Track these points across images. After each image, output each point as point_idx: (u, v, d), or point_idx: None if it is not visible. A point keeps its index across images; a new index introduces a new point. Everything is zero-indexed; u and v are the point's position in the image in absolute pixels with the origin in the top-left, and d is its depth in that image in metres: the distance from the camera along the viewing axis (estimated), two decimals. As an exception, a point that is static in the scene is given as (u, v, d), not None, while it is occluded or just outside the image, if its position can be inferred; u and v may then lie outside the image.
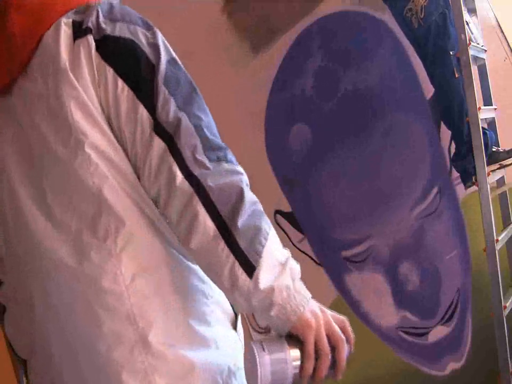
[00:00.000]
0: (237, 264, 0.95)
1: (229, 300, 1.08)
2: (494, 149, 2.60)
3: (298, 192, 2.87)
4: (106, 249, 0.98)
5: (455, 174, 2.70)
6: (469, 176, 2.56)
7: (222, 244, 0.95)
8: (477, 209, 2.54)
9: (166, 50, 1.06)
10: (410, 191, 2.87)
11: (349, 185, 2.99)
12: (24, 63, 1.04)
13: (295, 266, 1.09)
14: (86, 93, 1.00)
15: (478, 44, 2.62)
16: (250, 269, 0.96)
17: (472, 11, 2.68)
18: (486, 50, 2.70)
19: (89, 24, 1.02)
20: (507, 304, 2.51)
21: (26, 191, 1.02)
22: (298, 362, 0.97)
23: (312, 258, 3.09)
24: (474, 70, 2.50)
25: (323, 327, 1.02)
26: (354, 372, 3.03)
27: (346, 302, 2.96)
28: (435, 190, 2.80)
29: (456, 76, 2.47)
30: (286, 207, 3.18)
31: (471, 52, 2.45)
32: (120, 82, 1.00)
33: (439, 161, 2.79)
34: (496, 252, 2.48)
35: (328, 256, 2.80)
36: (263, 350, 0.95)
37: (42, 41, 1.02)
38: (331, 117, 3.02)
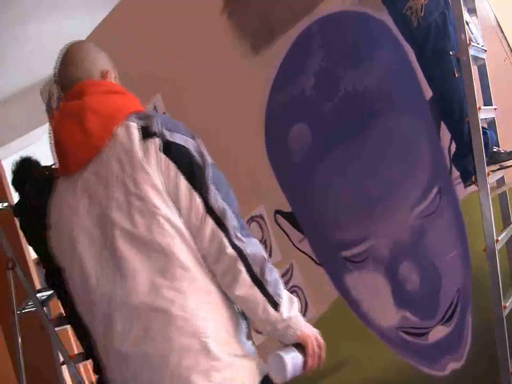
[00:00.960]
0: (267, 303, 1.45)
1: (258, 326, 1.53)
2: (494, 149, 2.60)
3: (298, 192, 2.86)
4: (174, 288, 1.39)
5: (455, 174, 2.70)
6: (468, 176, 2.56)
7: (257, 291, 1.44)
8: (477, 209, 2.53)
9: (207, 156, 1.58)
10: (410, 191, 2.86)
11: (349, 185, 2.99)
12: (98, 150, 1.44)
13: (296, 301, 1.53)
14: (155, 178, 1.41)
15: (478, 44, 2.62)
16: (276, 306, 1.46)
17: (472, 11, 2.68)
18: (486, 50, 2.70)
19: (156, 130, 1.46)
20: (507, 304, 2.51)
21: (104, 247, 1.44)
22: (303, 359, 1.52)
23: (312, 258, 3.09)
24: (474, 70, 2.49)
25: (314, 337, 1.55)
26: (355, 371, 3.04)
27: (346, 302, 2.96)
28: (435, 190, 2.80)
29: (456, 75, 2.47)
30: (286, 207, 3.18)
31: (471, 52, 2.44)
32: (179, 174, 1.45)
33: (439, 161, 2.79)
34: (496, 251, 2.48)
35: (328, 256, 2.80)
36: (284, 354, 1.46)
37: (113, 136, 1.44)
38: (331, 117, 3.02)
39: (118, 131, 1.45)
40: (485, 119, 2.66)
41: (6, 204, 4.33)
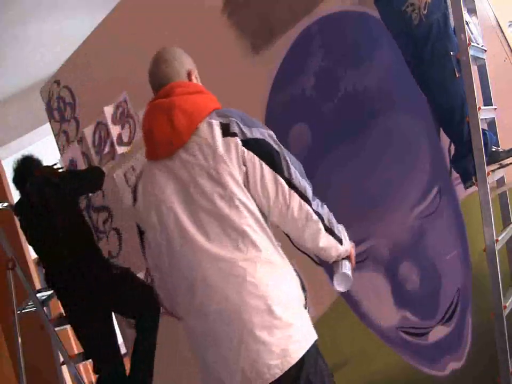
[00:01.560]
0: (337, 243, 1.89)
1: (329, 259, 1.94)
2: (493, 149, 2.60)
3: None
4: (249, 260, 1.69)
5: (455, 174, 2.70)
6: (469, 177, 2.56)
7: (331, 238, 1.87)
8: (477, 209, 2.54)
9: (279, 141, 1.77)
10: (410, 191, 2.86)
11: (349, 185, 2.99)
12: (184, 143, 1.73)
13: (342, 227, 1.96)
14: (233, 170, 1.69)
15: (478, 44, 2.62)
16: (341, 242, 1.91)
17: (472, 11, 2.68)
18: (486, 50, 2.70)
19: (235, 130, 1.72)
20: (507, 304, 2.51)
21: (189, 221, 1.72)
22: (349, 263, 2.01)
23: (312, 259, 3.09)
24: (474, 70, 2.49)
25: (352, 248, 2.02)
26: (355, 371, 3.04)
27: (346, 302, 2.96)
28: (435, 190, 2.80)
29: (457, 75, 2.47)
30: (286, 207, 3.18)
31: (471, 52, 2.44)
32: (263, 164, 1.71)
33: (439, 161, 2.79)
34: (496, 251, 2.48)
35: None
36: (346, 270, 1.97)
37: (197, 131, 1.73)
38: (331, 117, 3.02)
39: (201, 127, 1.73)
40: (485, 119, 2.66)
41: (6, 204, 4.32)
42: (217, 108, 1.81)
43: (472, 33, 2.59)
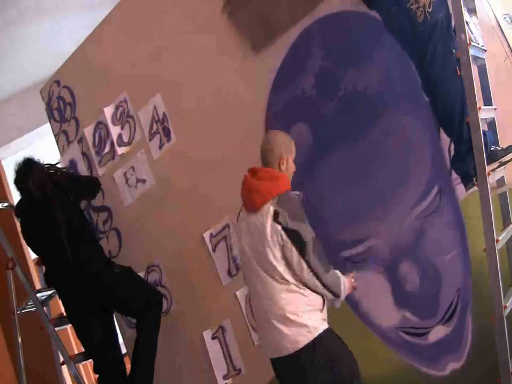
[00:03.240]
0: (337, 296, 2.62)
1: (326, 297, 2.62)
2: (492, 148, 2.60)
3: (298, 192, 2.87)
4: (279, 287, 2.57)
5: (455, 174, 2.70)
6: (469, 178, 2.56)
7: (329, 294, 2.59)
8: (477, 209, 2.54)
9: (311, 233, 2.55)
10: (410, 191, 2.86)
11: (349, 185, 2.99)
12: (255, 211, 2.60)
13: (342, 281, 2.61)
14: (274, 248, 2.54)
15: (478, 44, 2.62)
16: (339, 296, 2.61)
17: (472, 11, 2.68)
18: (486, 50, 2.70)
19: (281, 220, 2.53)
20: (507, 304, 2.51)
21: (253, 260, 2.63)
22: None
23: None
24: (474, 70, 2.50)
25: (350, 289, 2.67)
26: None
27: (347, 302, 2.95)
28: (435, 190, 2.80)
29: (458, 74, 2.47)
30: (286, 207, 3.18)
31: (471, 52, 2.45)
32: (293, 248, 2.52)
33: (439, 161, 2.79)
34: (496, 251, 2.48)
35: (328, 256, 2.80)
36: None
37: (262, 209, 2.58)
38: (331, 117, 3.02)
39: (264, 207, 2.57)
40: (485, 119, 2.66)
41: (6, 204, 4.32)
42: (282, 192, 2.59)
43: (472, 33, 2.59)
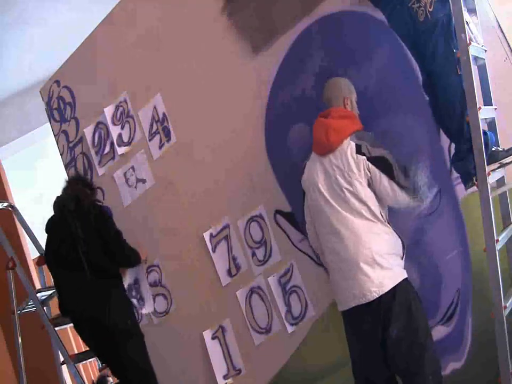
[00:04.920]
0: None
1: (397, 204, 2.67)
2: (493, 149, 2.60)
3: (298, 192, 2.86)
4: (364, 224, 2.61)
5: (455, 174, 2.70)
6: (469, 177, 2.56)
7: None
8: (477, 209, 2.54)
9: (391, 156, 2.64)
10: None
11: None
12: (333, 150, 2.66)
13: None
14: (360, 177, 2.60)
15: (478, 43, 2.62)
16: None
17: (472, 11, 2.68)
18: (486, 50, 2.70)
19: (364, 151, 2.61)
20: (507, 304, 2.51)
21: (330, 198, 2.67)
22: None
23: (312, 258, 3.09)
24: (474, 70, 2.49)
25: None
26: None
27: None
28: (435, 190, 2.79)
29: (458, 73, 2.47)
30: (286, 207, 3.18)
31: (471, 52, 2.45)
32: (382, 176, 2.59)
33: (439, 161, 2.79)
34: (496, 251, 2.48)
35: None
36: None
37: (342, 145, 2.65)
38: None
39: (344, 144, 2.64)
40: (485, 119, 2.66)
41: (6, 204, 4.32)
42: (357, 129, 2.67)
43: (472, 33, 2.59)
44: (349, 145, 2.62)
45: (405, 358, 2.54)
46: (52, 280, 3.55)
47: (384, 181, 2.58)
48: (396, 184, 2.58)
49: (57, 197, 3.54)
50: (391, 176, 2.58)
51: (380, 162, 2.59)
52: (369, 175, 2.60)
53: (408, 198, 2.59)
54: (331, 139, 2.65)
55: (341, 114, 2.72)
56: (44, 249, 3.57)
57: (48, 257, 3.52)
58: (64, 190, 3.54)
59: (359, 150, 2.60)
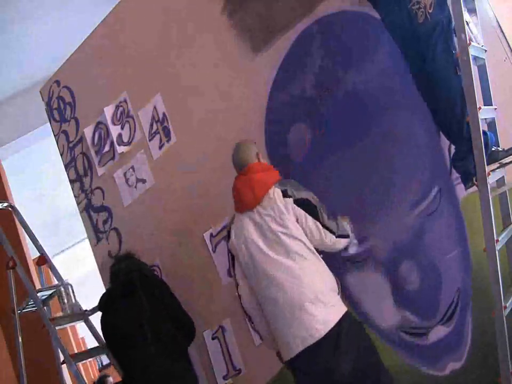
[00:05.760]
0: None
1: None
2: (493, 149, 2.60)
3: (298, 192, 2.87)
4: (302, 268, 2.66)
5: (455, 174, 2.70)
6: (469, 177, 2.56)
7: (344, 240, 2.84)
8: (477, 209, 2.54)
9: (316, 198, 2.78)
10: (411, 191, 2.87)
11: (349, 186, 2.99)
12: (260, 202, 2.74)
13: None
14: (290, 217, 2.69)
15: (478, 43, 2.62)
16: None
17: (472, 11, 2.68)
18: (486, 50, 2.69)
19: (290, 194, 2.72)
20: (507, 304, 2.51)
21: (265, 247, 2.73)
22: None
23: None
24: (474, 70, 2.49)
25: None
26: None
27: (347, 302, 2.95)
28: (435, 190, 2.80)
29: (458, 73, 2.47)
30: (286, 207, 3.18)
31: (471, 52, 2.44)
32: (306, 215, 2.71)
33: (439, 161, 2.79)
34: (496, 251, 2.48)
35: (328, 256, 2.80)
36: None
37: (268, 195, 2.73)
38: (331, 117, 3.02)
39: (270, 192, 2.74)
40: (485, 119, 2.66)
41: (6, 204, 4.32)
42: (278, 180, 2.80)
43: (472, 33, 2.59)
44: (275, 192, 2.72)
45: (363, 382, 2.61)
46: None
47: (309, 221, 2.69)
48: (320, 224, 2.70)
49: (117, 269, 3.37)
50: (316, 217, 2.70)
51: (304, 204, 2.70)
52: (296, 216, 2.70)
53: (333, 237, 2.72)
54: (257, 192, 2.75)
55: (261, 168, 2.84)
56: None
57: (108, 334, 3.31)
58: (119, 262, 3.39)
59: (285, 194, 2.71)
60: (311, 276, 2.65)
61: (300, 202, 2.71)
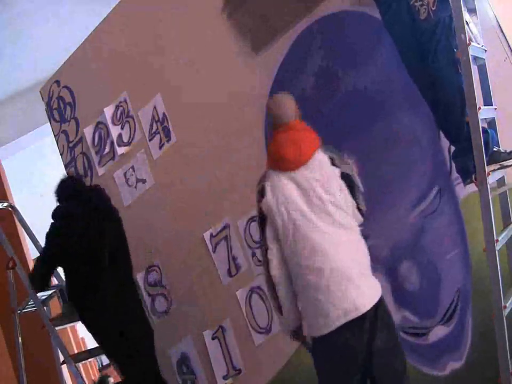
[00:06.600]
0: None
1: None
2: (495, 149, 2.59)
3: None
4: (347, 237, 2.51)
5: (455, 174, 2.70)
6: (468, 174, 2.55)
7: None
8: (477, 209, 2.53)
9: (357, 177, 2.58)
10: (410, 191, 2.87)
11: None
12: (305, 163, 2.51)
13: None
14: (333, 186, 2.49)
15: (478, 43, 2.62)
16: None
17: (472, 11, 2.68)
18: (486, 50, 2.69)
19: (337, 164, 2.51)
20: (507, 304, 2.51)
21: (311, 213, 2.49)
22: None
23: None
24: (474, 70, 2.49)
25: None
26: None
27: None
28: (435, 190, 2.80)
29: (460, 71, 2.47)
30: (286, 207, 3.18)
31: (471, 52, 2.44)
32: (347, 192, 2.50)
33: (439, 161, 2.79)
34: (496, 252, 2.48)
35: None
36: None
37: (313, 158, 2.51)
38: (331, 116, 3.02)
39: (316, 155, 2.52)
40: (485, 119, 2.66)
41: (6, 204, 4.32)
42: (319, 141, 2.57)
43: (472, 33, 2.59)
44: (323, 157, 2.52)
45: (389, 368, 2.48)
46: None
47: (348, 198, 2.51)
48: (356, 203, 2.53)
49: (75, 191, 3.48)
50: (353, 195, 2.52)
51: (347, 179, 2.52)
52: (340, 188, 2.52)
53: (361, 219, 2.55)
54: (304, 151, 2.52)
55: (303, 127, 2.60)
56: (55, 242, 3.44)
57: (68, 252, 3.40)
58: (77, 185, 3.50)
59: (333, 163, 2.52)
60: (356, 248, 2.50)
61: (343, 176, 2.51)
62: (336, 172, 2.50)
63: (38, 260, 3.53)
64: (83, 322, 3.50)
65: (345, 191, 2.50)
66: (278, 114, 2.62)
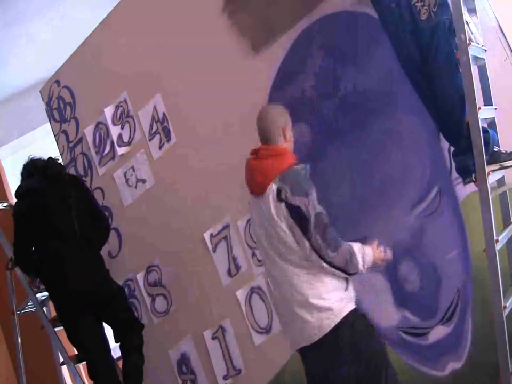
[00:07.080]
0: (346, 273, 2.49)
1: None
2: (495, 149, 2.59)
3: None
4: (297, 271, 2.45)
5: (455, 174, 2.69)
6: (468, 173, 2.55)
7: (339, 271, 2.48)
8: (477, 209, 2.53)
9: (313, 208, 2.41)
10: (411, 191, 2.87)
11: (349, 185, 2.99)
12: (263, 193, 2.48)
13: (361, 252, 2.45)
14: (282, 224, 2.43)
15: (478, 43, 2.62)
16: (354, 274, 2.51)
17: (472, 11, 2.68)
18: (486, 50, 2.69)
19: (283, 197, 2.41)
20: (507, 304, 2.51)
21: (266, 243, 2.52)
22: None
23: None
24: (474, 70, 2.49)
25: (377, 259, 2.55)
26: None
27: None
28: (435, 190, 2.80)
29: (460, 71, 2.47)
30: (286, 207, 3.18)
31: (471, 52, 2.44)
32: (295, 225, 2.40)
33: (439, 161, 2.79)
34: (496, 251, 2.48)
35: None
36: None
37: (268, 189, 2.46)
38: (331, 116, 3.02)
39: (268, 187, 2.46)
40: (485, 119, 2.66)
41: (6, 204, 4.32)
42: (284, 168, 2.47)
43: (472, 33, 2.59)
44: (272, 189, 2.44)
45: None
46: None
47: (297, 235, 2.40)
48: (308, 244, 2.38)
49: (34, 167, 3.59)
50: (305, 231, 2.38)
51: (296, 213, 2.39)
52: (289, 225, 2.42)
53: (322, 263, 2.39)
54: (258, 182, 2.50)
55: (272, 153, 2.53)
56: (19, 214, 3.49)
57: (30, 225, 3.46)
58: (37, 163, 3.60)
59: (279, 195, 2.41)
60: (302, 279, 2.42)
61: (291, 209, 2.39)
62: (280, 207, 2.40)
63: (13, 245, 3.55)
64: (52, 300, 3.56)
65: (295, 228, 2.40)
66: (260, 128, 2.59)
